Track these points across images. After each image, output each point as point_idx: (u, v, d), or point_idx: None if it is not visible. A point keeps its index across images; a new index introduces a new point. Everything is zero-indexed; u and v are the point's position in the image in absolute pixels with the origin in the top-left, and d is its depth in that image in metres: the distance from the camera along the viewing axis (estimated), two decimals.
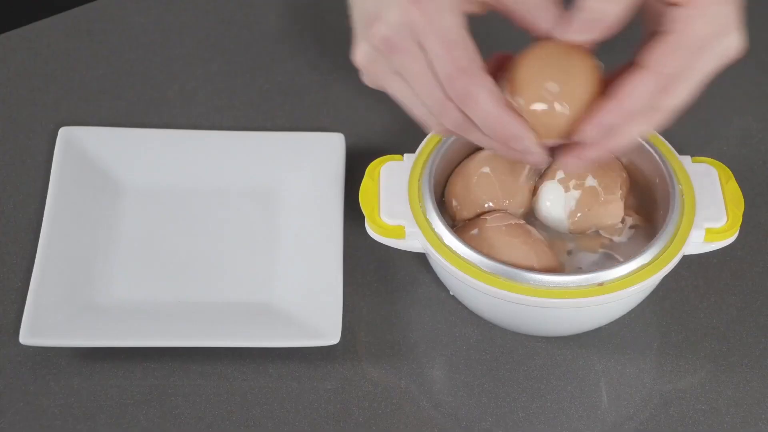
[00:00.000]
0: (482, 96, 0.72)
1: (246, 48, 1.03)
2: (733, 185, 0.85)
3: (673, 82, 0.72)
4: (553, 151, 0.76)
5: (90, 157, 0.93)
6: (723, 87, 1.01)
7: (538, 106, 0.74)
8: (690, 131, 0.98)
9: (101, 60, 1.02)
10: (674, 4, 0.72)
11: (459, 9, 0.72)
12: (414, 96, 0.75)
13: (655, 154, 0.86)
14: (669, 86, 0.72)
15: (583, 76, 0.75)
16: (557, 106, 0.74)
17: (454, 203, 0.87)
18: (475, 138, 0.76)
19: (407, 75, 0.74)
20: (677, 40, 0.72)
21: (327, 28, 1.06)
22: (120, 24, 1.04)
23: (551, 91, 0.74)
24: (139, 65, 1.02)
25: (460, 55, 0.72)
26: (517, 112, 0.74)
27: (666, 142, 0.88)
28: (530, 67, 0.75)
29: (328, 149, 0.93)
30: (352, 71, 1.05)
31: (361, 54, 0.75)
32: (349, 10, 0.76)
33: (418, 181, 0.85)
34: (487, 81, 0.72)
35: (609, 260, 0.86)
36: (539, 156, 0.75)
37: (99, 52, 1.02)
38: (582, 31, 0.73)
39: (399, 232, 0.82)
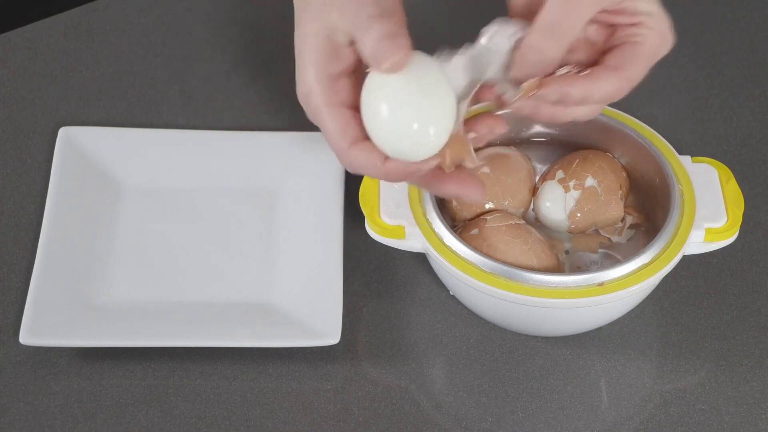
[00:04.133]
0: (366, 170, 0.74)
1: (246, 48, 1.03)
2: (733, 185, 0.85)
3: (629, 84, 0.77)
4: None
5: (90, 157, 0.93)
6: (723, 87, 1.02)
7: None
8: (690, 131, 0.98)
9: (101, 60, 1.02)
10: (637, 24, 0.77)
11: (324, 79, 0.75)
12: None
13: (655, 154, 0.86)
14: (624, 88, 0.77)
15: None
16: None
17: (454, 203, 0.87)
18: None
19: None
20: (642, 51, 0.76)
21: None
22: (120, 24, 1.04)
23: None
24: (139, 65, 1.02)
25: (331, 136, 0.75)
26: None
27: (666, 142, 0.88)
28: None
29: (328, 149, 0.93)
30: None
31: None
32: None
33: None
34: (358, 158, 0.74)
35: (609, 260, 0.86)
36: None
37: (99, 52, 1.02)
38: (524, 70, 0.74)
39: (399, 232, 0.82)
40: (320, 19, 0.76)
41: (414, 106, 0.72)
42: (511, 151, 0.88)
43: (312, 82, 0.75)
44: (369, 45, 0.72)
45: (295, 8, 0.78)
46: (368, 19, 0.73)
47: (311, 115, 0.77)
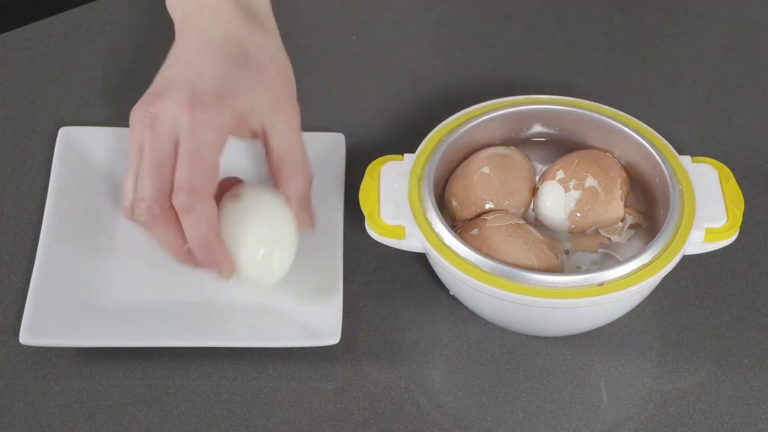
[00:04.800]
0: (203, 215, 0.78)
1: None
2: (733, 185, 0.85)
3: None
4: None
5: (90, 157, 0.92)
6: (723, 87, 1.02)
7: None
8: (690, 131, 0.98)
9: (101, 60, 1.02)
10: None
11: (225, 132, 0.79)
12: (133, 172, 0.79)
13: (655, 154, 0.86)
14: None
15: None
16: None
17: (454, 203, 0.87)
18: (156, 236, 0.80)
19: (146, 153, 0.79)
20: None
21: (327, 28, 1.06)
22: (120, 24, 1.04)
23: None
24: (139, 65, 1.02)
25: (200, 174, 0.78)
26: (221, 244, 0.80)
27: (666, 142, 0.88)
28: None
29: (328, 149, 0.93)
30: (352, 72, 1.05)
31: (136, 111, 0.81)
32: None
33: (419, 180, 0.85)
34: (211, 208, 0.79)
35: (609, 260, 0.86)
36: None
37: (99, 52, 1.02)
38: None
39: (399, 232, 0.82)
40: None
41: (266, 234, 0.82)
42: (511, 151, 0.88)
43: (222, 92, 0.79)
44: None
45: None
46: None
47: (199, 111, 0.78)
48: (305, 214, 0.83)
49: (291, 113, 0.83)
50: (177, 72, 0.80)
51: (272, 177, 0.83)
